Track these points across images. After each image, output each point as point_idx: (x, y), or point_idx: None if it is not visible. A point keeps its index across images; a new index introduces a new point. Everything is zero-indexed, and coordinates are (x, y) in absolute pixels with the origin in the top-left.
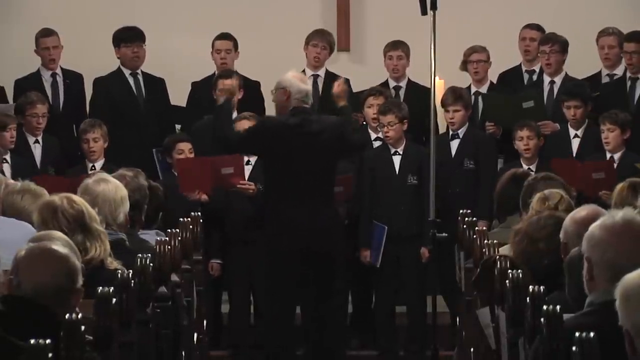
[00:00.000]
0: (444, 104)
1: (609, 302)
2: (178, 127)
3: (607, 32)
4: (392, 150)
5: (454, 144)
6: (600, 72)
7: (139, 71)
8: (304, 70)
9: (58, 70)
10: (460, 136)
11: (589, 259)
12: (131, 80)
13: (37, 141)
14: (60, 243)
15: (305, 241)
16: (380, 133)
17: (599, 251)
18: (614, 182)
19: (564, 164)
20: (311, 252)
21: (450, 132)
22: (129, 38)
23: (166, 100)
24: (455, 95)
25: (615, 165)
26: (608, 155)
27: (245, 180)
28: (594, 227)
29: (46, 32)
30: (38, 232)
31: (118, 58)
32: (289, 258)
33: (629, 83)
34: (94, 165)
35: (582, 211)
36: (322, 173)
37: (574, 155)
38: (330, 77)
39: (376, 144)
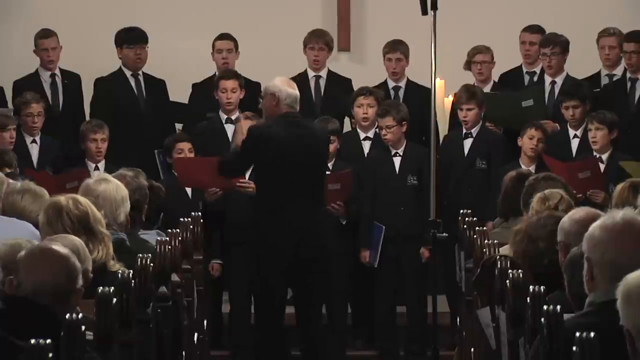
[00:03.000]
0: (457, 102)
1: (609, 302)
2: (179, 126)
3: (607, 32)
4: (393, 152)
5: (467, 143)
6: (599, 73)
7: (140, 72)
8: (305, 71)
9: (57, 71)
10: (474, 135)
11: (589, 259)
12: (132, 81)
13: (34, 141)
14: (68, 244)
15: (299, 244)
16: (370, 132)
17: (600, 251)
18: (600, 180)
19: (553, 163)
20: (301, 257)
21: (464, 131)
22: (132, 39)
23: (167, 102)
24: (469, 93)
25: (603, 165)
26: (596, 156)
27: (245, 179)
28: (594, 227)
29: (45, 34)
30: (42, 231)
31: (120, 58)
32: (281, 262)
33: (629, 83)
34: (97, 166)
35: (580, 211)
36: (315, 176)
37: (574, 155)
38: (333, 77)
39: (365, 143)
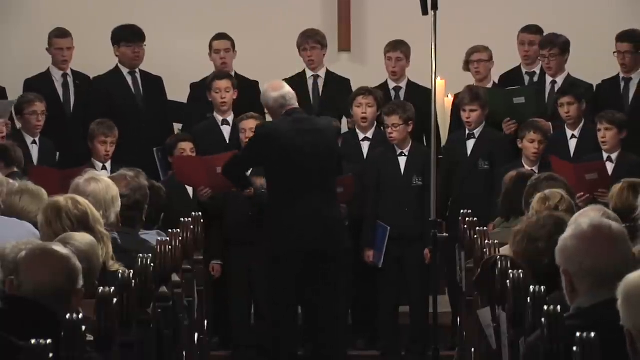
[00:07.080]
0: (460, 103)
1: (596, 306)
2: (178, 126)
3: None
4: (398, 151)
5: (470, 144)
6: (618, 75)
7: (137, 70)
8: (303, 71)
9: (69, 71)
10: (476, 136)
11: (566, 271)
12: (129, 79)
13: (34, 142)
14: (76, 244)
15: (311, 242)
16: (369, 133)
17: (577, 262)
18: (607, 182)
19: (561, 164)
20: (316, 252)
21: (467, 132)
22: (129, 37)
23: (164, 99)
24: (472, 94)
25: (612, 165)
26: (605, 156)
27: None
28: (564, 239)
29: (61, 33)
30: (41, 231)
31: (117, 56)
32: (293, 259)
33: (622, 83)
34: (104, 166)
35: (589, 212)
36: (325, 170)
37: (572, 155)
38: (331, 77)
39: (364, 144)
